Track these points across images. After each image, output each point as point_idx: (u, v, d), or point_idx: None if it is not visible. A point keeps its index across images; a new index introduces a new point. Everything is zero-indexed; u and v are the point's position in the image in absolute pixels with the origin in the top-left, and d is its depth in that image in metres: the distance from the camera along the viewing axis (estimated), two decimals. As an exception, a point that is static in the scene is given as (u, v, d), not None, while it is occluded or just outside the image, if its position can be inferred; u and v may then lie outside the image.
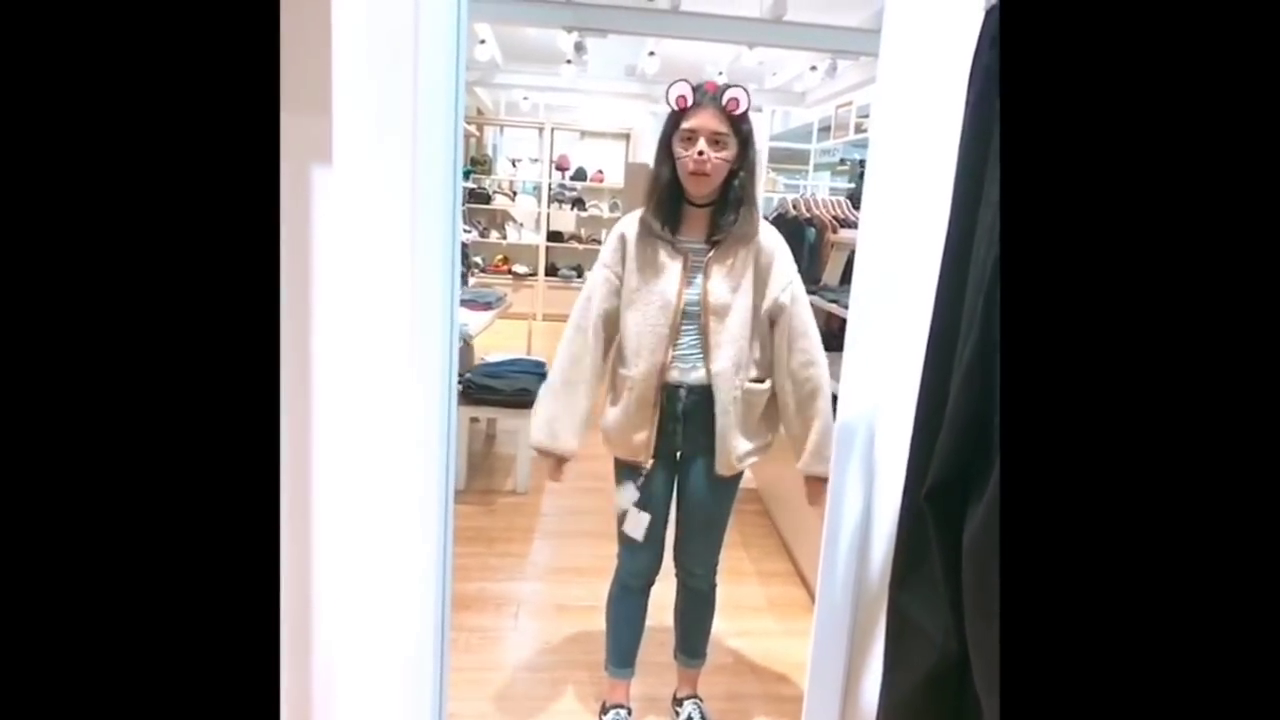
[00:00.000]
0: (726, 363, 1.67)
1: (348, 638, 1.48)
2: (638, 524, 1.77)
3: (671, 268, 1.65)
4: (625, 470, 1.80)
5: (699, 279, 1.66)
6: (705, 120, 1.59)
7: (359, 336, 1.35)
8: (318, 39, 1.21)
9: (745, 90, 1.61)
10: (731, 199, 1.64)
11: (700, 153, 1.58)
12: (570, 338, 1.75)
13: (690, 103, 1.60)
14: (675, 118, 1.63)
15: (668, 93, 1.61)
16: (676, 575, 1.93)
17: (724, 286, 1.66)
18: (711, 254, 1.66)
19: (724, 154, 1.60)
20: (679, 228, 1.67)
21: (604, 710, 1.99)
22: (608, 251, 1.73)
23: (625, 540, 1.84)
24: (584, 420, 1.77)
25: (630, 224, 1.72)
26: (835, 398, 1.51)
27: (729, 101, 1.59)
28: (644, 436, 1.72)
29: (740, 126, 1.62)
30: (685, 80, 1.62)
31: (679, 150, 1.62)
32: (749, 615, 2.57)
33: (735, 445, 1.71)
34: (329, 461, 1.59)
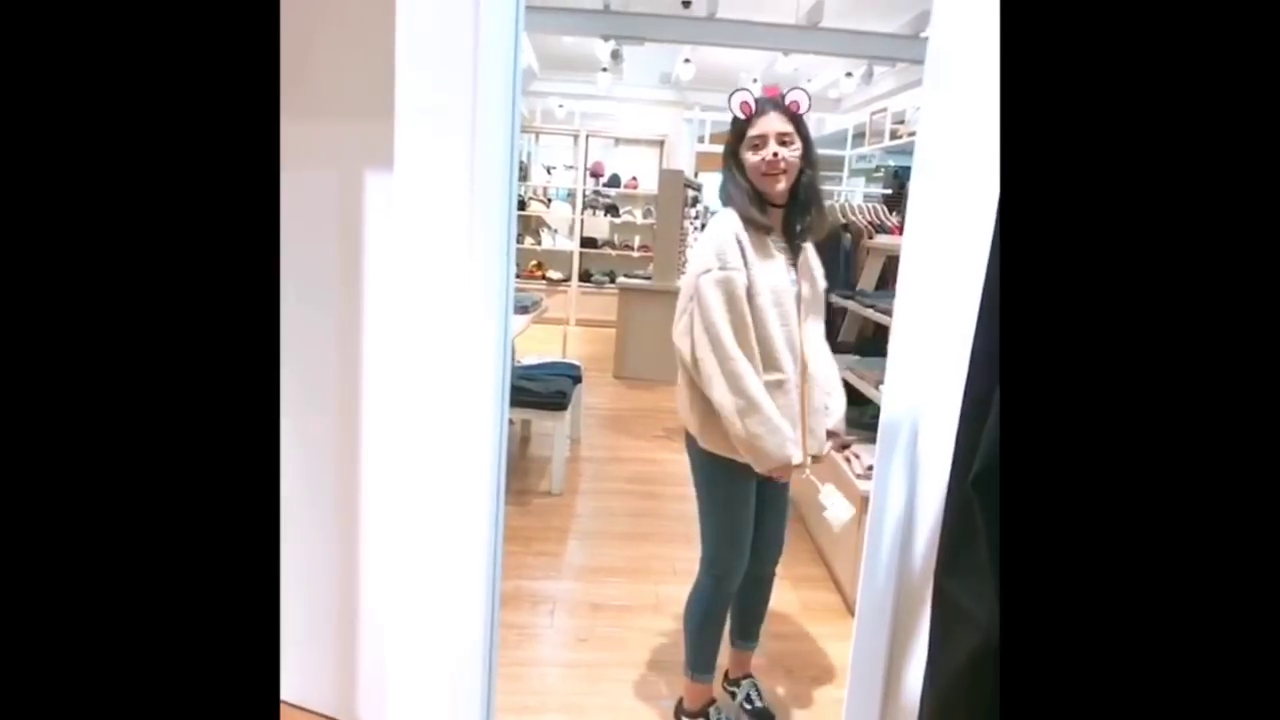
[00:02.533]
0: (817, 351, 1.76)
1: (400, 633, 1.51)
2: (841, 511, 1.86)
3: (780, 262, 1.71)
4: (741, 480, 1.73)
5: (795, 275, 1.74)
6: (772, 123, 1.65)
7: (415, 337, 1.39)
8: (382, 48, 1.26)
9: (805, 91, 1.68)
10: (805, 199, 1.72)
11: (775, 154, 1.64)
12: (739, 359, 1.61)
13: (754, 109, 1.66)
14: (740, 127, 1.68)
15: (730, 101, 1.67)
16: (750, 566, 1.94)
17: (813, 280, 1.77)
18: (799, 252, 1.75)
19: (794, 152, 1.67)
20: (770, 227, 1.72)
21: (693, 713, 1.96)
22: (727, 255, 1.63)
23: (734, 544, 1.79)
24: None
25: (735, 224, 1.66)
26: (860, 396, 1.53)
27: (791, 103, 1.67)
28: (798, 434, 1.70)
29: (801, 127, 1.69)
30: (745, 89, 1.68)
31: (750, 157, 1.67)
32: (783, 620, 2.58)
33: (822, 428, 1.78)
34: (380, 462, 1.63)
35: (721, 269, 1.62)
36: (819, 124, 8.44)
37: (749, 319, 1.63)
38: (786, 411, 1.67)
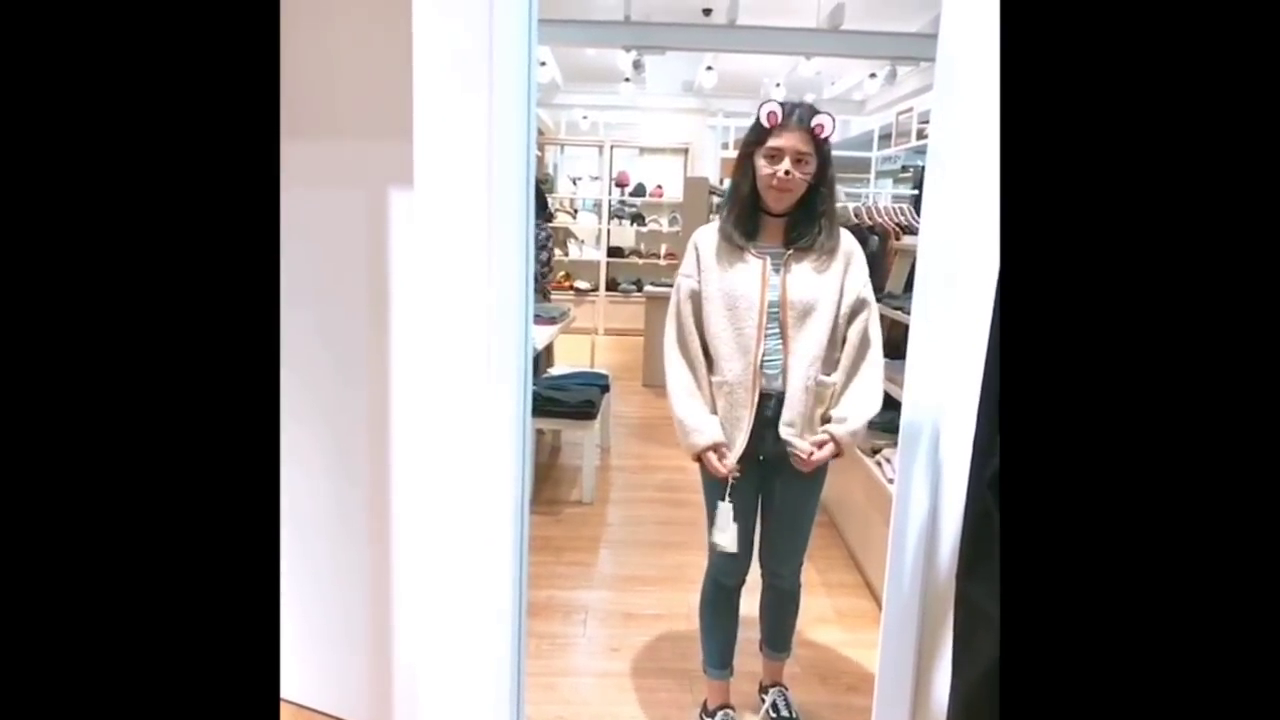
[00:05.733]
0: (802, 359, 1.72)
1: (430, 644, 1.53)
2: (727, 533, 1.77)
3: (752, 270, 1.72)
4: (714, 477, 1.79)
5: (777, 281, 1.72)
6: (792, 140, 1.66)
7: (437, 350, 1.41)
8: (405, 68, 1.29)
9: (831, 116, 1.70)
10: (814, 213, 1.72)
11: (786, 172, 1.66)
12: (674, 357, 1.78)
13: (779, 120, 1.67)
14: (761, 134, 1.69)
15: (759, 110, 1.69)
16: (762, 576, 1.98)
17: (804, 287, 1.71)
18: (790, 254, 1.72)
19: (806, 172, 1.68)
20: (757, 236, 1.75)
21: (709, 713, 2.02)
22: (686, 263, 1.80)
23: (726, 550, 1.85)
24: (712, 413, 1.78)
25: (705, 234, 1.80)
26: (890, 400, 1.52)
27: (816, 125, 1.67)
28: (740, 441, 1.73)
29: (822, 147, 1.70)
30: (774, 100, 1.70)
31: (763, 165, 1.69)
32: (817, 626, 2.56)
33: (794, 427, 1.74)
34: (409, 472, 1.65)
35: (681, 275, 1.81)
36: (844, 126, 8.41)
37: (690, 322, 1.77)
38: (729, 413, 1.74)
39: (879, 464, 2.77)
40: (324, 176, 1.73)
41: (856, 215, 4.04)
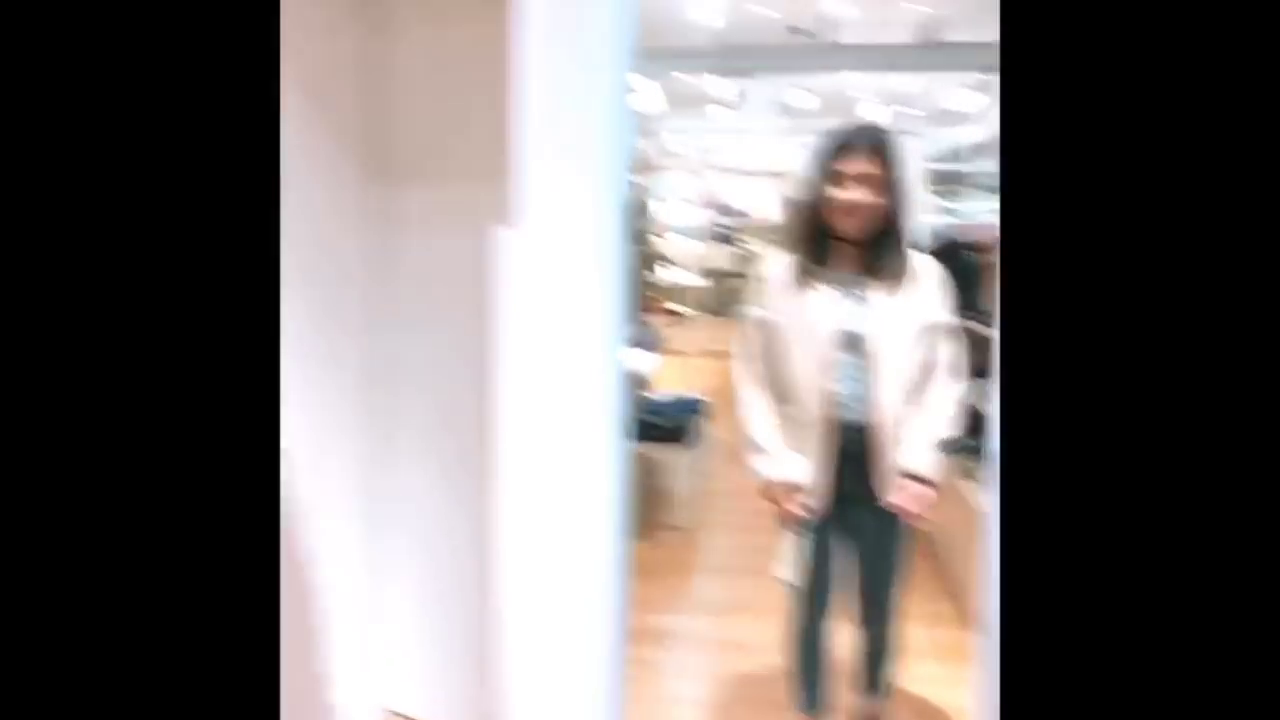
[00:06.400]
0: (892, 394, 1.67)
1: (532, 664, 1.56)
2: (797, 568, 1.74)
3: (824, 299, 1.67)
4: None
5: (852, 310, 1.66)
6: (859, 164, 1.61)
7: (542, 378, 1.45)
8: (501, 113, 1.37)
9: (896, 136, 1.66)
10: (886, 237, 1.66)
11: (855, 195, 1.61)
12: (748, 387, 1.76)
13: (847, 142, 1.64)
14: (829, 157, 1.65)
15: (826, 132, 1.67)
16: (854, 624, 1.91)
17: (879, 315, 1.66)
18: (863, 281, 1.67)
19: (874, 195, 1.62)
20: (827, 262, 1.69)
21: None
22: (755, 292, 1.78)
23: (792, 584, 1.84)
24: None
25: (774, 264, 1.76)
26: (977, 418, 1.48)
27: (885, 146, 1.63)
28: (817, 479, 1.70)
29: (892, 169, 1.64)
30: (842, 121, 1.69)
31: (831, 190, 1.64)
32: (912, 660, 2.47)
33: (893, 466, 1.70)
34: (517, 496, 1.71)
35: (751, 305, 1.78)
36: (940, 140, 8.16)
37: (762, 353, 1.74)
38: (804, 449, 1.69)
39: (979, 489, 2.67)
40: (435, 219, 1.85)
41: (953, 231, 3.92)
